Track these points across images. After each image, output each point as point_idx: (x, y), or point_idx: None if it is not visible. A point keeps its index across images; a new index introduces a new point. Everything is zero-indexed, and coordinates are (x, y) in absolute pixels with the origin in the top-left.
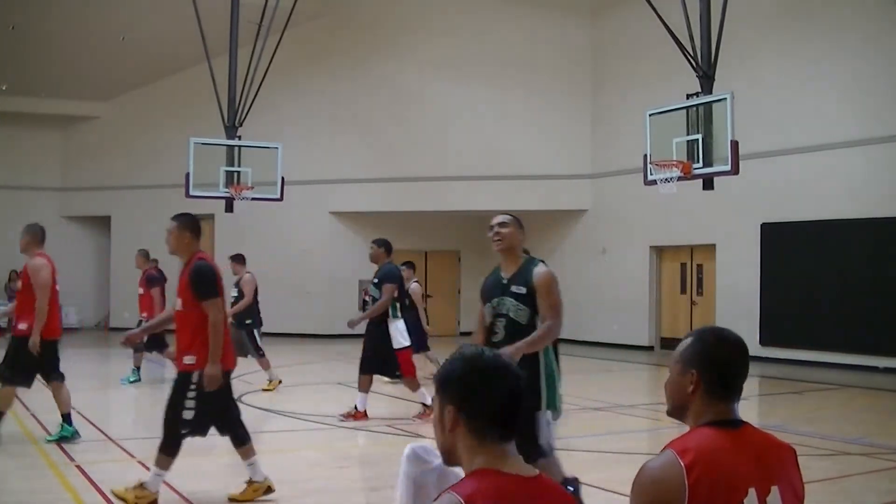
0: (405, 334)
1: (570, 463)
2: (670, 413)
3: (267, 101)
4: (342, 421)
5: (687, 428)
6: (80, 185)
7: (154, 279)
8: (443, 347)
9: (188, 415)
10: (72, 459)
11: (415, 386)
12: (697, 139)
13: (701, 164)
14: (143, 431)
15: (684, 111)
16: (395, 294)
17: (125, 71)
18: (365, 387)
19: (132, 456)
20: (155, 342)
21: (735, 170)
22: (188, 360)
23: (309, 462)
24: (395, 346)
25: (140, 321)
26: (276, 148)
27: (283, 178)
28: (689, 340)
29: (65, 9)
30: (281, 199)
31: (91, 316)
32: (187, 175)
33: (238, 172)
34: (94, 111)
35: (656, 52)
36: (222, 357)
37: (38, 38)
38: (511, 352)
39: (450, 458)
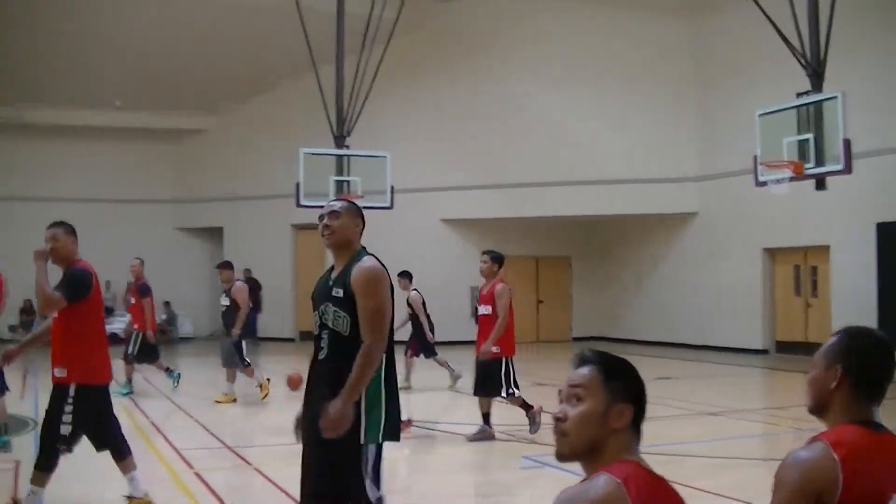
0: None
1: (682, 469)
2: (811, 410)
3: (374, 110)
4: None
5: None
6: (192, 197)
7: (146, 289)
8: (555, 352)
9: (65, 430)
10: (191, 466)
11: None
12: (809, 138)
13: (813, 164)
14: (260, 439)
15: (794, 110)
16: None
17: (234, 83)
18: None
19: (248, 463)
20: (148, 353)
21: (848, 169)
22: (59, 372)
23: (421, 468)
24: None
25: (136, 333)
26: (385, 157)
27: (392, 187)
28: (835, 337)
29: (173, 26)
30: (391, 207)
31: (205, 325)
32: (297, 185)
33: (347, 181)
34: (204, 124)
35: (762, 51)
36: (99, 370)
37: (147, 55)
38: (336, 411)
39: (583, 453)
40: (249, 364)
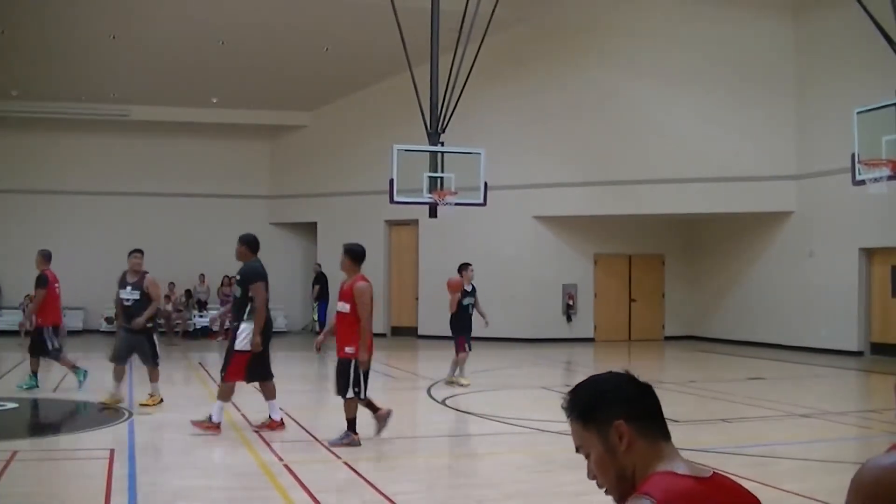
0: (248, 339)
1: (773, 471)
2: None
3: (468, 107)
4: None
5: None
6: (287, 193)
7: (42, 280)
8: (648, 352)
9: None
10: (280, 459)
11: (224, 395)
12: None
13: None
14: None
15: (894, 108)
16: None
17: (329, 81)
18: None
19: (338, 457)
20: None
21: None
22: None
23: (513, 466)
24: (237, 347)
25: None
26: (479, 153)
27: (486, 184)
28: None
29: (271, 24)
30: (484, 204)
31: (298, 319)
32: (391, 181)
33: (441, 178)
34: (299, 120)
35: (863, 48)
36: None
37: (245, 53)
38: None
39: (626, 486)
40: (158, 364)
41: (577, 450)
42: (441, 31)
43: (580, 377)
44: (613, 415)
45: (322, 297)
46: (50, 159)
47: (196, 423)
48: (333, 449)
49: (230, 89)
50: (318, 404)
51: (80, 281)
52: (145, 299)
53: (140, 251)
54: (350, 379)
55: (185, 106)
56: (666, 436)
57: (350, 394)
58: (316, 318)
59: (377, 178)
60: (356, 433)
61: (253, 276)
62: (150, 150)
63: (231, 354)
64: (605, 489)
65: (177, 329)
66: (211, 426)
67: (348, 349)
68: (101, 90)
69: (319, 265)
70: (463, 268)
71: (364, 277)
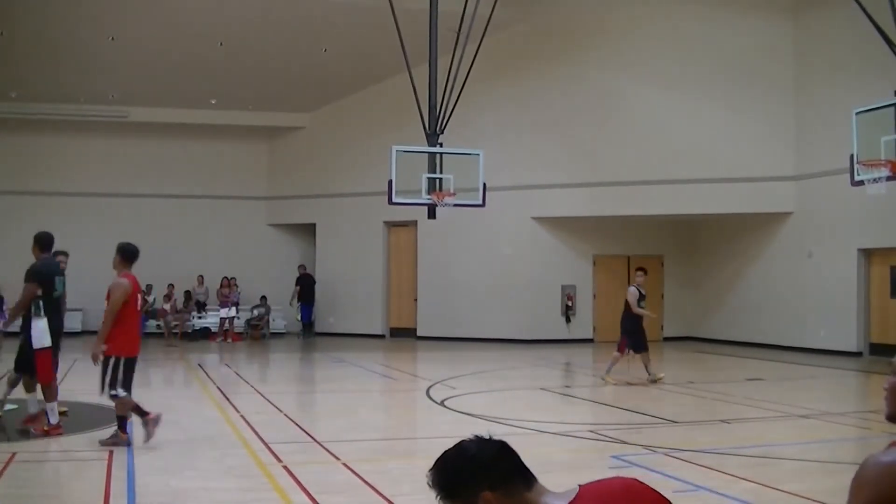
0: (46, 335)
1: (772, 472)
2: (889, 417)
3: (467, 108)
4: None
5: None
6: (285, 194)
7: None
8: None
9: None
10: (279, 460)
11: (51, 396)
12: None
13: None
14: (349, 434)
15: (892, 109)
16: (39, 292)
17: (327, 82)
18: (29, 387)
19: (337, 458)
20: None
21: None
22: None
23: None
24: (35, 345)
25: None
26: (478, 154)
27: (484, 185)
28: None
29: (268, 25)
30: (483, 205)
31: (296, 321)
32: (390, 182)
33: (440, 179)
34: (297, 122)
35: (861, 49)
36: None
37: (243, 54)
38: None
39: None
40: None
41: None
42: (440, 33)
43: (579, 378)
44: (478, 488)
45: (306, 299)
46: (48, 161)
47: (37, 428)
48: (104, 448)
49: (229, 91)
50: (318, 406)
51: (78, 282)
52: None
53: (65, 253)
54: (108, 377)
55: (183, 107)
56: (529, 483)
57: (114, 392)
58: (299, 318)
59: (376, 179)
60: (125, 433)
61: (29, 275)
62: (149, 151)
63: (33, 356)
64: None
65: (175, 330)
66: (52, 428)
67: (104, 347)
68: (100, 92)
69: (304, 266)
70: (638, 272)
71: (128, 275)
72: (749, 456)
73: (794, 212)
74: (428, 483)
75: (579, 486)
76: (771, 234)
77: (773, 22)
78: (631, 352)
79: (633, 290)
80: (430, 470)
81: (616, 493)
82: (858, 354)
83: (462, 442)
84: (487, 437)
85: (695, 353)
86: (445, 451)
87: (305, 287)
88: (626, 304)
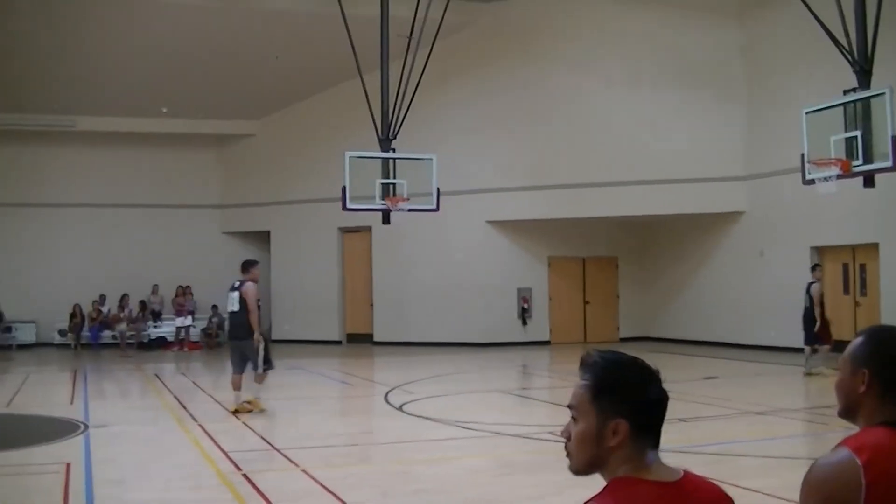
0: None
1: (732, 468)
2: (841, 414)
3: (420, 112)
4: None
5: (857, 429)
6: (238, 202)
7: None
8: None
9: None
10: (238, 469)
11: None
12: (856, 136)
13: (861, 162)
14: (308, 441)
15: (842, 108)
16: None
17: (278, 89)
18: None
19: (296, 465)
20: None
21: None
22: None
23: (471, 470)
24: None
25: None
26: (431, 159)
27: (438, 189)
28: (860, 339)
29: (218, 32)
30: (437, 209)
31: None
32: (344, 188)
33: (393, 184)
34: (249, 129)
35: (810, 49)
36: None
37: (192, 63)
38: None
39: (590, 470)
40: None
41: (570, 407)
42: (391, 38)
43: (536, 380)
44: (621, 412)
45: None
46: None
47: None
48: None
49: (179, 99)
50: (276, 414)
51: (30, 293)
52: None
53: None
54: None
55: (133, 116)
56: (655, 444)
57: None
58: None
59: (329, 185)
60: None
61: None
62: (99, 161)
63: None
64: (567, 452)
65: (131, 340)
66: None
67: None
68: (46, 101)
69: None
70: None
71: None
72: (708, 454)
73: (745, 211)
74: (583, 360)
75: (685, 473)
76: (723, 234)
77: (721, 22)
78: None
79: (817, 285)
80: (598, 353)
81: (713, 493)
82: (814, 351)
83: (642, 365)
84: (659, 378)
85: (650, 352)
86: (627, 358)
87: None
88: (812, 299)
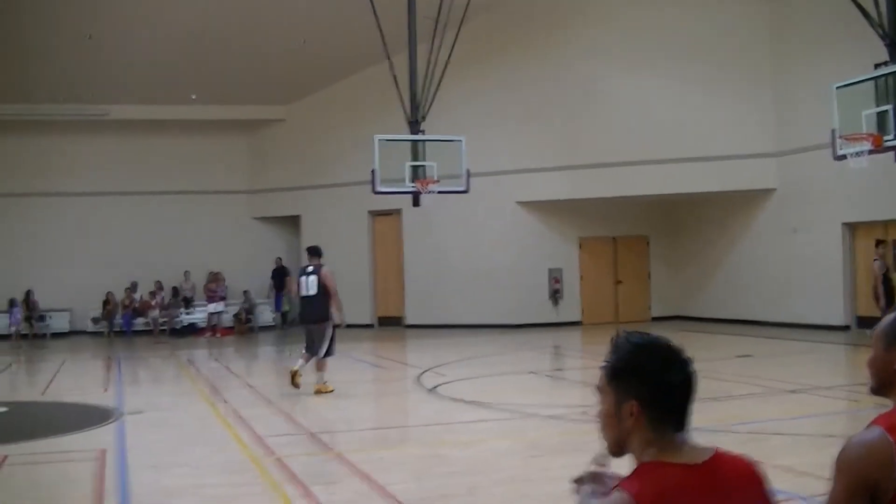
0: None
1: (765, 447)
2: (874, 391)
3: (448, 95)
4: None
5: (891, 406)
6: (268, 187)
7: None
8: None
9: None
10: (272, 453)
11: None
12: (888, 110)
13: (893, 136)
14: (340, 425)
15: (872, 82)
16: None
17: (307, 74)
18: None
19: (330, 448)
20: None
21: None
22: None
23: (500, 452)
24: None
25: None
26: (460, 141)
27: (468, 171)
28: (893, 316)
29: (245, 18)
30: (467, 191)
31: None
32: (373, 172)
33: (423, 167)
34: (278, 114)
35: (838, 23)
36: None
37: (220, 49)
38: None
39: (620, 450)
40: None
41: (597, 388)
42: (418, 20)
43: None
44: (633, 393)
45: (278, 290)
46: (29, 161)
47: None
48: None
49: (208, 85)
50: (308, 398)
51: (64, 282)
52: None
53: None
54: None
55: (163, 104)
56: (678, 427)
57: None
58: (273, 309)
59: (359, 168)
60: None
61: None
62: (131, 149)
63: None
64: (601, 435)
65: (163, 327)
66: None
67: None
68: (80, 90)
69: (280, 259)
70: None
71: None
72: (740, 433)
73: (776, 188)
74: (612, 342)
75: (716, 452)
76: (755, 212)
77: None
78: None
79: (878, 263)
80: (622, 338)
81: (742, 471)
82: (846, 328)
83: (660, 340)
84: (685, 361)
85: (682, 332)
86: (654, 339)
87: (278, 279)
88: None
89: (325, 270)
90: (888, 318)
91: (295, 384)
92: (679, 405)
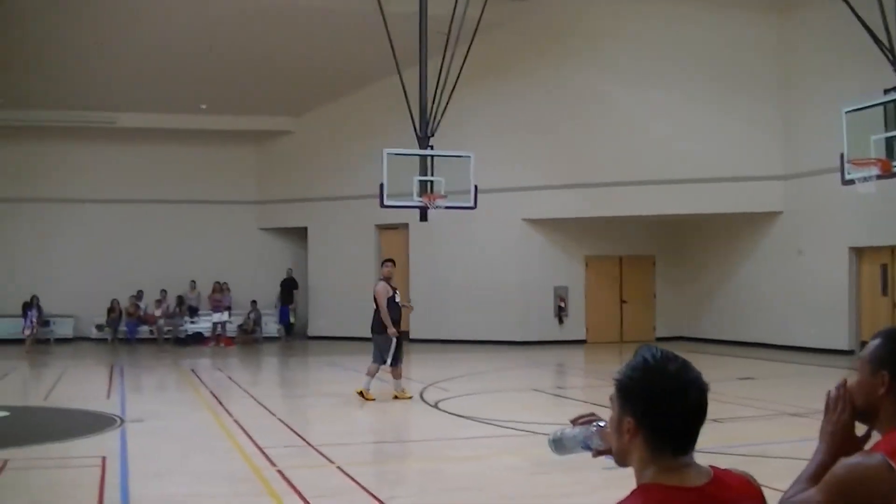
0: None
1: (765, 469)
2: (857, 417)
3: (458, 110)
4: None
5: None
6: (275, 198)
7: None
8: None
9: None
10: (273, 465)
11: None
12: None
13: None
14: (343, 437)
15: (882, 107)
16: None
17: (316, 86)
18: None
19: (331, 461)
20: None
21: None
22: None
23: (506, 468)
24: None
25: None
26: (469, 157)
27: (475, 187)
28: (878, 341)
29: (257, 30)
30: (474, 207)
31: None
32: (381, 185)
33: (431, 182)
34: (287, 126)
35: (848, 48)
36: None
37: (231, 60)
38: None
39: (623, 461)
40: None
41: (609, 397)
42: (429, 35)
43: (572, 379)
44: (631, 411)
45: (284, 301)
46: (37, 168)
47: None
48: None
49: (217, 95)
50: (311, 409)
51: (69, 288)
52: None
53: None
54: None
55: (172, 112)
56: (679, 450)
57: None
58: (277, 320)
59: (366, 182)
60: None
61: None
62: (138, 157)
63: None
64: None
65: (167, 336)
66: None
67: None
68: (88, 98)
69: (290, 269)
70: None
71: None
72: (741, 455)
73: (783, 211)
74: (635, 352)
75: (714, 474)
76: (761, 234)
77: (758, 20)
78: None
79: None
80: (645, 352)
81: (741, 491)
82: (850, 352)
83: (674, 363)
84: (696, 387)
85: (686, 352)
86: (670, 360)
87: (285, 290)
88: None
89: (378, 286)
90: (873, 342)
91: (367, 398)
92: (679, 430)
